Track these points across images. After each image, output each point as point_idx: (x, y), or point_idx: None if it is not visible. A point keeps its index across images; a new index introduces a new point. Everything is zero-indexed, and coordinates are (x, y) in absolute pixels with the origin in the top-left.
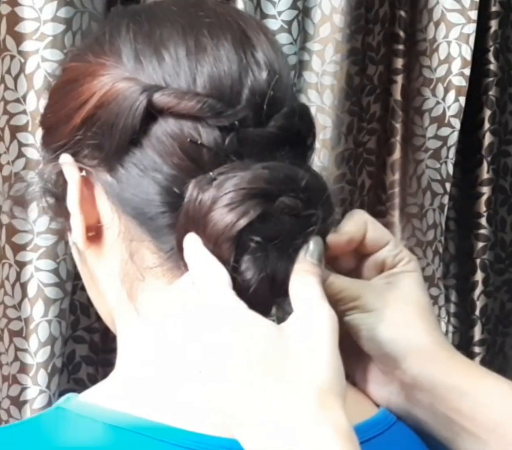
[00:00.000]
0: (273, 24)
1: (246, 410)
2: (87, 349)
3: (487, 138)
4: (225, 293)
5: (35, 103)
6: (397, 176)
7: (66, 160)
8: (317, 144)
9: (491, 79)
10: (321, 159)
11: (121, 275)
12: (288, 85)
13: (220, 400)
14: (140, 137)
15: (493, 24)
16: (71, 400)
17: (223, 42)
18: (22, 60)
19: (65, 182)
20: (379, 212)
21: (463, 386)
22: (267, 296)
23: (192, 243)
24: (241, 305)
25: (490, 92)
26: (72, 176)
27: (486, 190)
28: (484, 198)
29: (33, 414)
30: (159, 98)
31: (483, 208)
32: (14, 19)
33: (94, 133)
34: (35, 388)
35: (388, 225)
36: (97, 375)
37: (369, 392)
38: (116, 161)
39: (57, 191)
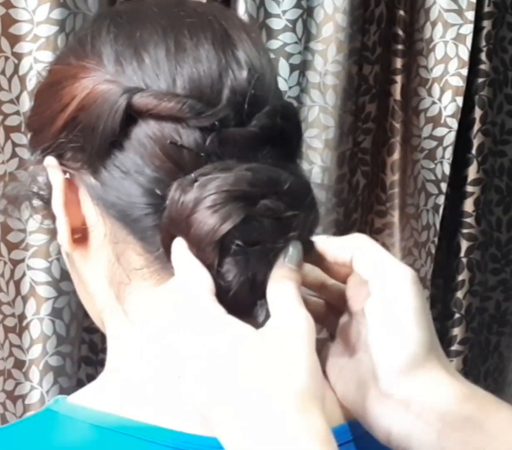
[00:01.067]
0: (277, 23)
1: (224, 414)
2: (86, 349)
3: (478, 138)
4: (205, 297)
5: (28, 104)
6: (397, 176)
7: (50, 162)
8: (320, 144)
9: (483, 79)
10: (324, 159)
11: (109, 277)
12: (271, 84)
13: (198, 403)
14: (121, 140)
15: (487, 24)
16: (60, 402)
17: (203, 42)
18: (16, 62)
19: (50, 184)
20: (380, 212)
21: (477, 418)
22: (248, 298)
23: (179, 247)
24: (220, 310)
25: (482, 93)
26: (56, 179)
27: (475, 190)
28: (473, 198)
29: (25, 409)
30: (139, 100)
31: (471, 207)
32: (8, 21)
33: (76, 136)
34: (27, 384)
35: (388, 225)
36: (96, 375)
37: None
38: (99, 163)
39: (44, 193)
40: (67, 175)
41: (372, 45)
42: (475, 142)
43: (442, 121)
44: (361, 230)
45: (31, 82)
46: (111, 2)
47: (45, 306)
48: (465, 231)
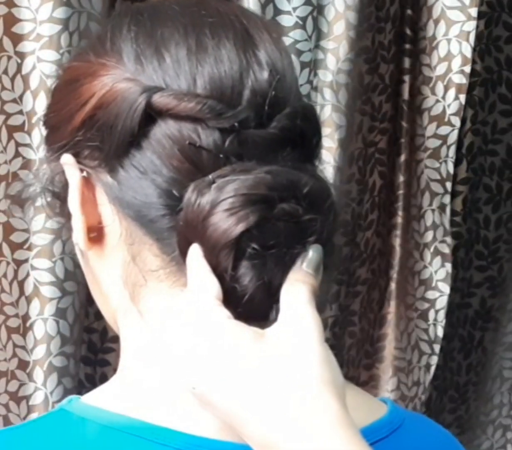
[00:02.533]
0: (287, 21)
1: (244, 414)
2: (85, 349)
3: (468, 138)
4: (209, 302)
5: (31, 103)
6: (405, 177)
7: (67, 160)
8: (333, 144)
9: (474, 79)
10: (336, 159)
11: (124, 277)
12: (291, 85)
13: (215, 408)
14: (140, 139)
15: (480, 24)
16: (73, 402)
17: (224, 42)
18: (19, 61)
19: (66, 182)
20: (390, 213)
21: None
22: (263, 302)
23: (194, 253)
24: (224, 314)
25: (473, 92)
26: (73, 177)
27: (464, 189)
28: (461, 196)
29: (30, 410)
30: (159, 99)
31: (460, 206)
32: (11, 20)
33: (94, 134)
34: (32, 384)
35: (395, 226)
36: (95, 375)
37: None
38: (116, 162)
39: (58, 191)
40: (84, 174)
41: (388, 43)
42: (465, 142)
43: (446, 119)
44: (378, 232)
45: (35, 82)
46: (117, 1)
47: (49, 306)
48: (452, 229)
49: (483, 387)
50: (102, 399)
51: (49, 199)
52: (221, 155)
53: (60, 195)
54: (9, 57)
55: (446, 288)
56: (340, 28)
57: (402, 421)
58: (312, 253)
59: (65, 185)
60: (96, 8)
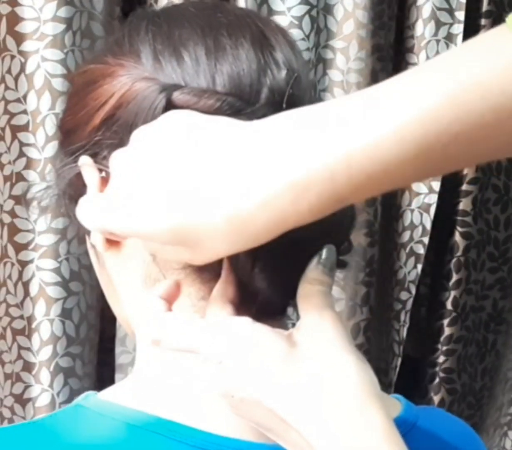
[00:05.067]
0: (282, 21)
1: (298, 414)
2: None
3: None
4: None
5: (36, 103)
6: None
7: (85, 161)
8: None
9: None
10: None
11: (143, 277)
12: (307, 86)
13: (254, 415)
14: None
15: (487, 23)
16: (90, 398)
17: (242, 42)
18: (22, 60)
19: (83, 184)
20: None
21: None
22: (280, 299)
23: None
24: (248, 319)
25: None
26: (91, 178)
27: (472, 188)
28: (471, 196)
29: (36, 412)
30: (179, 97)
31: (469, 206)
32: (14, 19)
33: (113, 134)
34: (38, 386)
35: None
36: (93, 374)
37: None
38: None
39: (74, 193)
40: (103, 174)
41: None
42: None
43: None
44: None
45: (39, 81)
46: (117, 1)
47: (55, 307)
48: (461, 229)
49: (495, 392)
50: (119, 395)
51: (66, 201)
52: None
53: (72, 197)
54: (13, 57)
55: (413, 289)
56: (350, 27)
57: (417, 417)
58: (326, 253)
59: (81, 187)
60: (97, 8)
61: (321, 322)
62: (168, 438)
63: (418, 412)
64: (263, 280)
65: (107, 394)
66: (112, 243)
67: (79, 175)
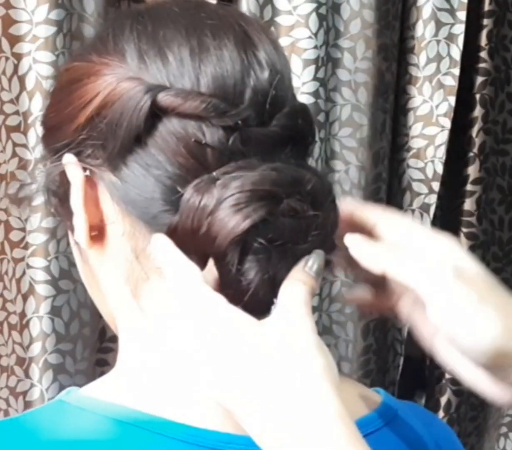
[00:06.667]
0: (288, 20)
1: (251, 407)
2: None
3: (480, 137)
4: (201, 288)
5: (27, 104)
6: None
7: (69, 160)
8: (355, 144)
9: (484, 78)
10: (360, 158)
11: (126, 274)
12: (289, 85)
13: (223, 399)
14: (144, 137)
15: (489, 23)
16: (71, 393)
17: (225, 43)
18: (15, 62)
19: (67, 182)
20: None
21: None
22: (267, 296)
23: (163, 243)
24: (221, 299)
25: (484, 91)
26: (75, 176)
27: (476, 189)
28: (474, 197)
29: (26, 405)
30: (164, 98)
31: (473, 206)
32: (8, 22)
33: (98, 133)
34: (28, 381)
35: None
36: (86, 370)
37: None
38: (120, 160)
39: (58, 191)
40: (87, 173)
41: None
42: (477, 141)
43: (433, 120)
44: None
45: (31, 83)
46: (107, 3)
47: (44, 305)
48: (466, 230)
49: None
50: (100, 391)
51: (51, 199)
52: (226, 153)
53: (60, 195)
54: (7, 58)
55: None
56: (357, 26)
57: (396, 411)
58: (313, 258)
59: (66, 184)
60: (87, 10)
61: (289, 312)
62: (150, 432)
63: (398, 406)
64: (252, 277)
65: (89, 389)
66: (96, 240)
67: (63, 174)
